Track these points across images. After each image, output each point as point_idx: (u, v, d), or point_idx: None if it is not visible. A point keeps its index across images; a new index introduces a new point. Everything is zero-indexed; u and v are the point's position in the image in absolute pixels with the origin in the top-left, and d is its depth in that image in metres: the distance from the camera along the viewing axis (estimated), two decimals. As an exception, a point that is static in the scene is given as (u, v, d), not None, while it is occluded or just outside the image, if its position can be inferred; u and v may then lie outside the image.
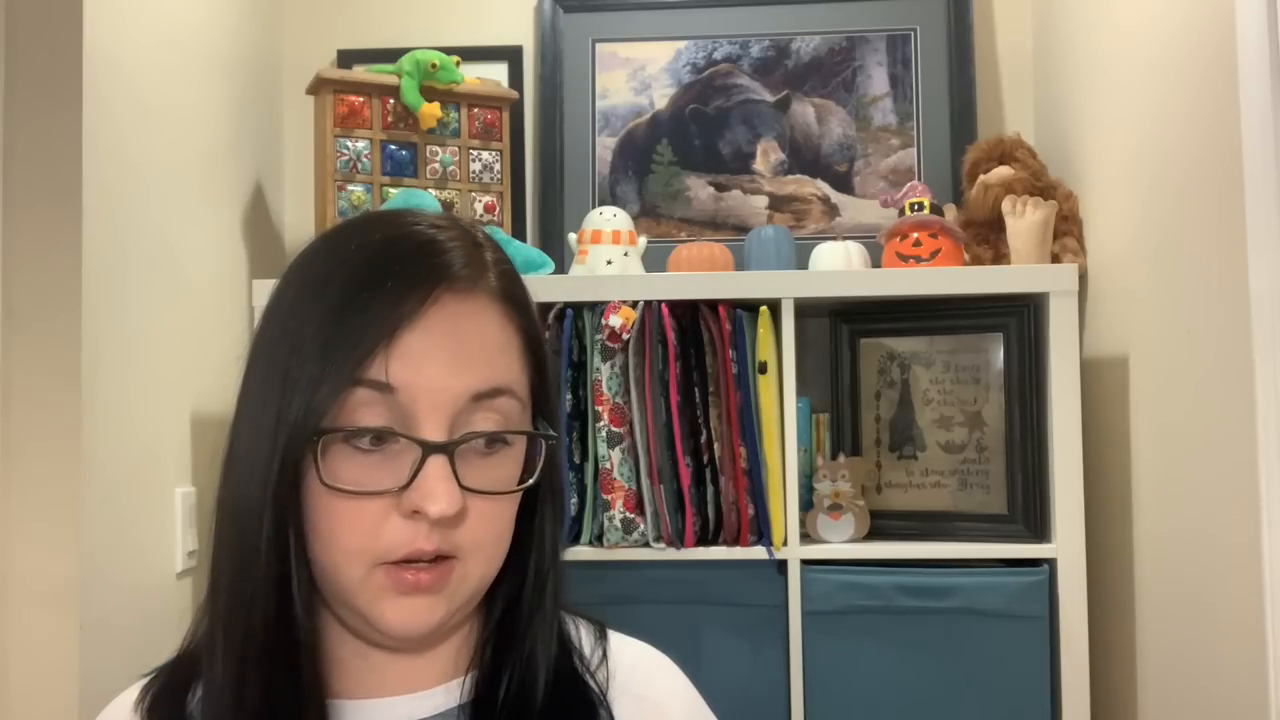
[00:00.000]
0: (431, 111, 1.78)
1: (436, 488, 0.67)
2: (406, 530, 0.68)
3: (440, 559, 0.70)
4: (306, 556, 0.70)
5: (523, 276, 0.78)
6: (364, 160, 1.76)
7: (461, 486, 0.69)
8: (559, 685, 0.76)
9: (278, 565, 0.70)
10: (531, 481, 0.73)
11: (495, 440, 0.71)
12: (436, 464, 0.68)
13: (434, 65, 1.78)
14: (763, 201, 1.95)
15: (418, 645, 0.75)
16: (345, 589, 0.70)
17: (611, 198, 1.94)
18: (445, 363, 0.69)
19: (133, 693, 0.78)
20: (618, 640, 0.83)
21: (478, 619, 0.78)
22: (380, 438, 0.69)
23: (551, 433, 0.75)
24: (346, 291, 0.70)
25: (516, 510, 0.75)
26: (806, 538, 1.64)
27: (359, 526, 0.69)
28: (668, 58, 1.98)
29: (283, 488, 0.69)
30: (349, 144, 1.76)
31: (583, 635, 0.81)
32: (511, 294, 0.75)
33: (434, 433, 0.69)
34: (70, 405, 1.28)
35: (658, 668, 0.83)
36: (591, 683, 0.78)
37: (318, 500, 0.69)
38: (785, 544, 1.59)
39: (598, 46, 1.98)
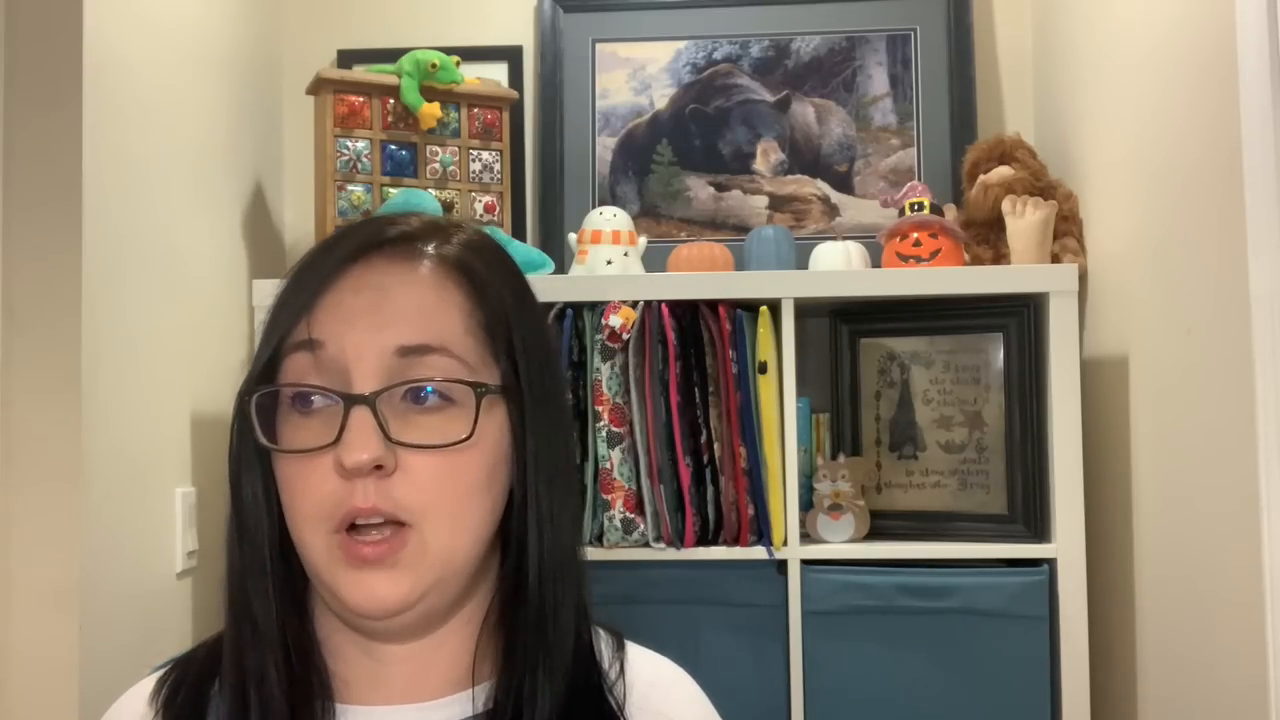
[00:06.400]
0: (431, 111, 1.78)
1: (353, 437, 0.67)
2: (343, 488, 0.68)
3: (395, 530, 0.69)
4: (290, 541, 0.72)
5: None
6: (364, 160, 1.76)
7: (392, 440, 0.68)
8: (577, 699, 0.74)
9: (263, 548, 0.72)
10: (467, 438, 0.69)
11: (434, 395, 0.70)
12: (357, 415, 0.68)
13: (434, 65, 1.78)
14: (763, 201, 1.95)
15: (408, 632, 0.73)
16: (312, 564, 0.70)
17: (611, 198, 1.94)
18: (370, 317, 0.70)
19: (147, 685, 0.77)
20: (636, 653, 0.81)
21: (489, 621, 0.75)
22: (308, 397, 0.70)
23: (483, 383, 0.71)
24: (295, 273, 0.74)
25: (493, 479, 0.72)
26: (806, 538, 1.64)
27: (307, 490, 0.69)
28: (668, 58, 1.98)
29: (243, 453, 0.72)
30: (349, 144, 1.75)
31: (601, 646, 0.79)
32: (467, 265, 0.74)
33: (364, 389, 0.69)
34: (70, 405, 1.28)
35: (676, 684, 0.81)
36: (610, 699, 0.75)
37: (278, 471, 0.71)
38: (785, 544, 1.59)
39: (598, 46, 1.98)
